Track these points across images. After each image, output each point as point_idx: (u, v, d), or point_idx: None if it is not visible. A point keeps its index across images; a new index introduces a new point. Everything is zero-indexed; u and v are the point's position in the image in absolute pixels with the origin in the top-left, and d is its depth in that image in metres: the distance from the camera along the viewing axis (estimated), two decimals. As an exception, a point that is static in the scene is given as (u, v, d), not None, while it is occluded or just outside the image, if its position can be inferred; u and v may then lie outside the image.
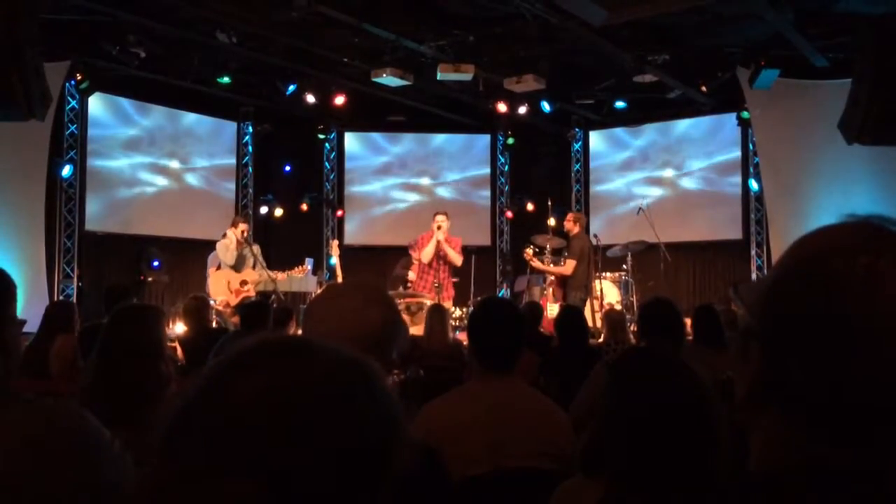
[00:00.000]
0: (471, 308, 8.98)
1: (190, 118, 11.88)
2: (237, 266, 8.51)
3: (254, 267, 8.43)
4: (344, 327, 1.51)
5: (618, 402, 1.55)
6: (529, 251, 9.03)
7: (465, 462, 2.20)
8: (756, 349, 0.85)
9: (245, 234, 8.57)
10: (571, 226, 8.89)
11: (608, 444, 1.56)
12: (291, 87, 11.13)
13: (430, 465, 1.72)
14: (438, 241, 8.35)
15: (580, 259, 8.60)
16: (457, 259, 8.49)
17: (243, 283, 8.39)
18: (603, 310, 8.31)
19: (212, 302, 8.26)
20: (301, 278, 9.91)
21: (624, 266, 9.99)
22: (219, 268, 8.67)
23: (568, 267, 8.67)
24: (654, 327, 3.44)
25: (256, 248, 8.72)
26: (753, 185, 11.29)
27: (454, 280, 8.77)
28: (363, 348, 1.53)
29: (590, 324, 7.61)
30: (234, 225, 8.64)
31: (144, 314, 2.52)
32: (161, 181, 11.60)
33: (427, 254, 8.35)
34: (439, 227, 8.36)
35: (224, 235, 8.88)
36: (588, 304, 8.67)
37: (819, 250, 0.82)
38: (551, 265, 9.09)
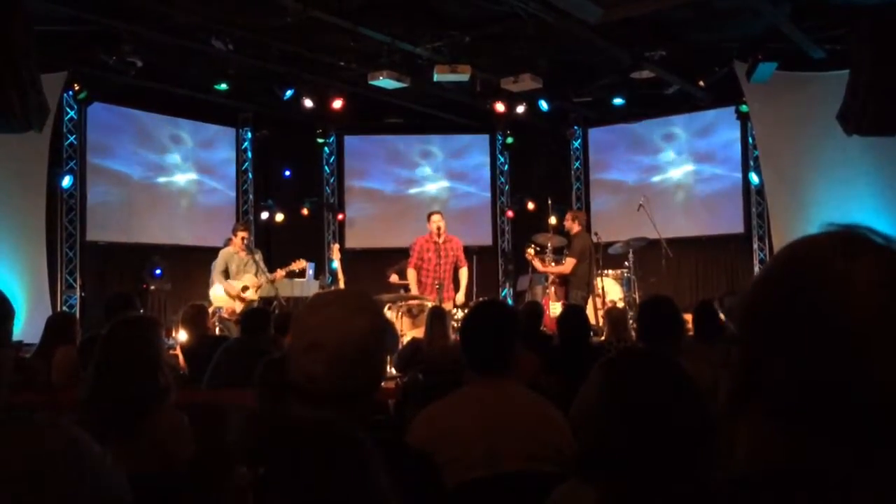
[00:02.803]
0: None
1: (188, 125, 11.88)
2: (234, 275, 8.51)
3: (256, 274, 8.43)
4: (330, 337, 1.51)
5: (610, 405, 1.55)
6: (531, 251, 9.01)
7: (463, 466, 2.20)
8: (737, 352, 0.86)
9: (245, 242, 8.59)
10: (571, 224, 8.88)
11: (603, 447, 1.56)
12: (289, 92, 11.11)
13: (425, 469, 1.71)
14: (436, 243, 8.39)
15: (580, 257, 8.59)
16: (463, 272, 8.61)
17: (244, 289, 8.39)
18: (605, 307, 8.31)
19: (219, 311, 8.29)
20: (303, 282, 9.92)
21: (626, 263, 9.96)
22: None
23: (567, 266, 8.66)
24: (653, 326, 3.42)
25: (258, 255, 8.72)
26: (754, 178, 11.27)
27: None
28: (350, 357, 1.54)
29: (592, 321, 7.60)
30: (235, 233, 8.65)
31: (140, 327, 2.52)
32: (161, 189, 11.61)
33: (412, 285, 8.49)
34: (438, 228, 8.37)
35: (226, 243, 8.89)
36: (590, 301, 8.66)
37: (798, 256, 0.85)
38: (552, 264, 9.08)
